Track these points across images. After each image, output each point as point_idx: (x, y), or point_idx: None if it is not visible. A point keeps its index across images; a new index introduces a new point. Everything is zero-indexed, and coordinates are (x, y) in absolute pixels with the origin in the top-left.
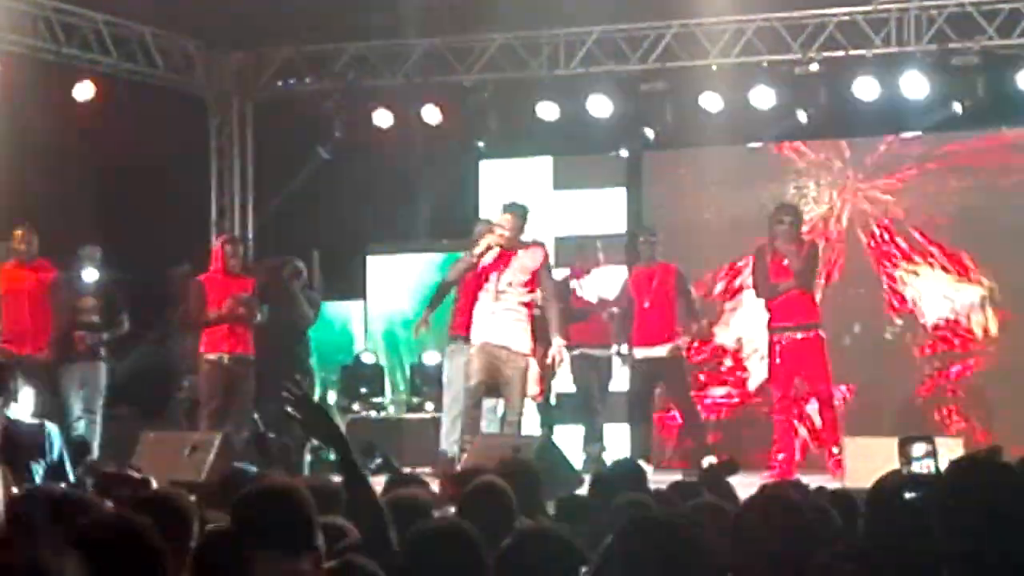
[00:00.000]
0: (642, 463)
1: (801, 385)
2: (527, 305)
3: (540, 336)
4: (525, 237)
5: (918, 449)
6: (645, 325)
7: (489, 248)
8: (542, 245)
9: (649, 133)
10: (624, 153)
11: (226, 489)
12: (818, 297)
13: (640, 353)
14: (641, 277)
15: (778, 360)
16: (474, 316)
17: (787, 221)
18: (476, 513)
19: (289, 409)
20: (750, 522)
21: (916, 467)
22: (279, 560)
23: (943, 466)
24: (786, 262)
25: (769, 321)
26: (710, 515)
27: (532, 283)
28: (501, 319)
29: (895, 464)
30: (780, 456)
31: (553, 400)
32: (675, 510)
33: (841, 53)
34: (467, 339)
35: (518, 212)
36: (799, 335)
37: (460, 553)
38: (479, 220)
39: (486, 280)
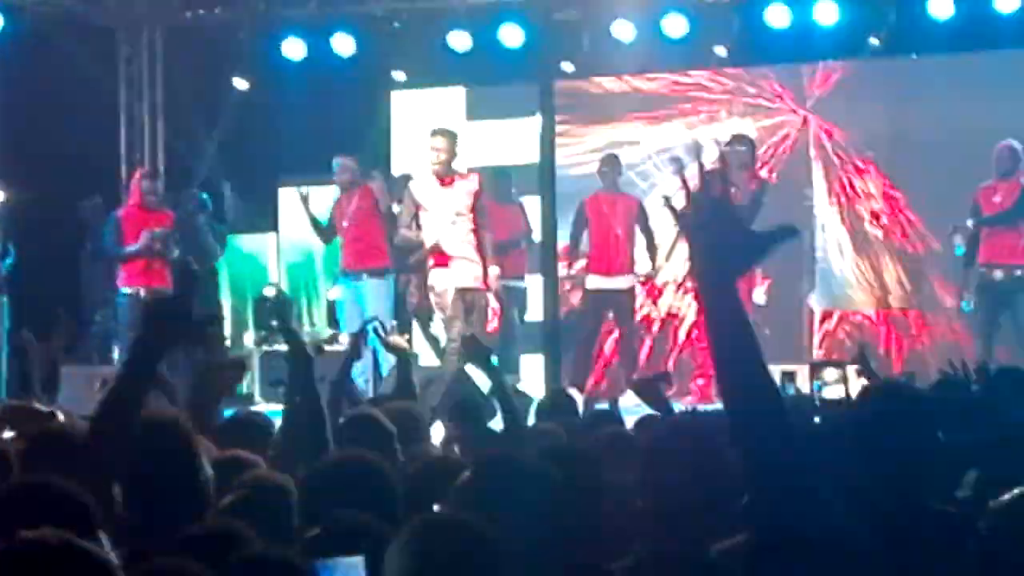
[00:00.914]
0: (574, 391)
1: None
2: (475, 232)
3: None
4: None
5: (829, 374)
6: (605, 254)
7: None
8: (476, 172)
9: (566, 67)
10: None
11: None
12: None
13: (595, 282)
14: (602, 204)
15: None
16: (431, 251)
17: (739, 149)
18: (353, 443)
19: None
20: (658, 456)
21: (827, 393)
22: None
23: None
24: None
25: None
26: (617, 446)
27: (473, 210)
28: (459, 254)
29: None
30: (700, 382)
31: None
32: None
33: None
34: (354, 274)
35: (450, 136)
36: None
37: (368, 484)
38: (347, 156)
39: (429, 213)
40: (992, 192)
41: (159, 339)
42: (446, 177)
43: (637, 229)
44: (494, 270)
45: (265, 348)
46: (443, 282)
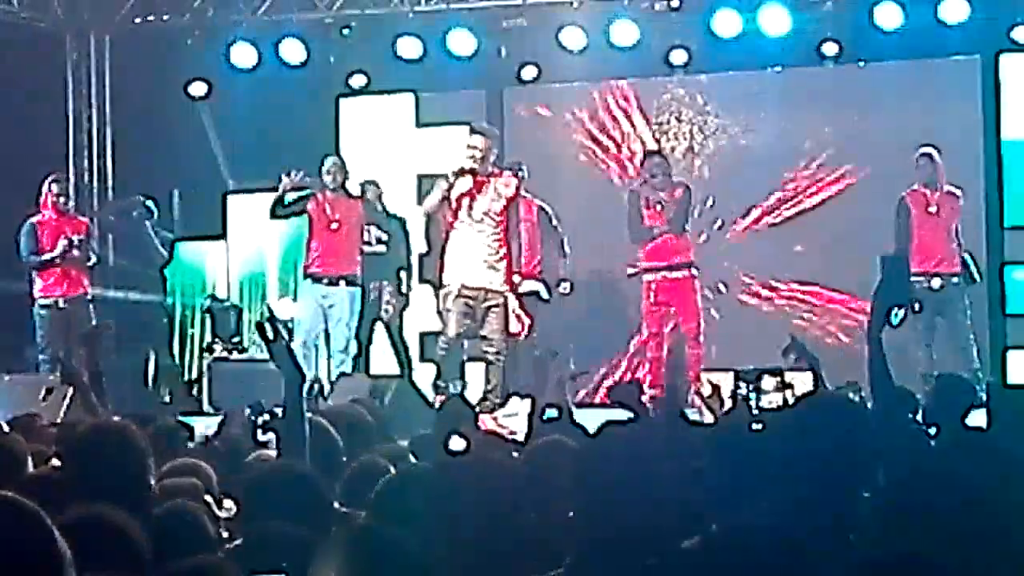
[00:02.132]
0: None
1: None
2: (503, 237)
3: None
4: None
5: (768, 383)
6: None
7: (462, 173)
8: (515, 173)
9: (526, 73)
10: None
11: None
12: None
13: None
14: None
15: (651, 299)
16: (447, 249)
17: (656, 166)
18: None
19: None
20: (592, 463)
21: (764, 401)
22: None
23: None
24: (659, 207)
25: (643, 263)
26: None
27: (505, 212)
28: (477, 254)
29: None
30: (652, 391)
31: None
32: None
33: None
34: (330, 279)
35: (488, 134)
36: (672, 275)
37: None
38: (331, 156)
39: (459, 209)
40: (924, 200)
41: None
42: (480, 177)
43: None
44: (518, 278)
45: (212, 356)
46: (450, 279)
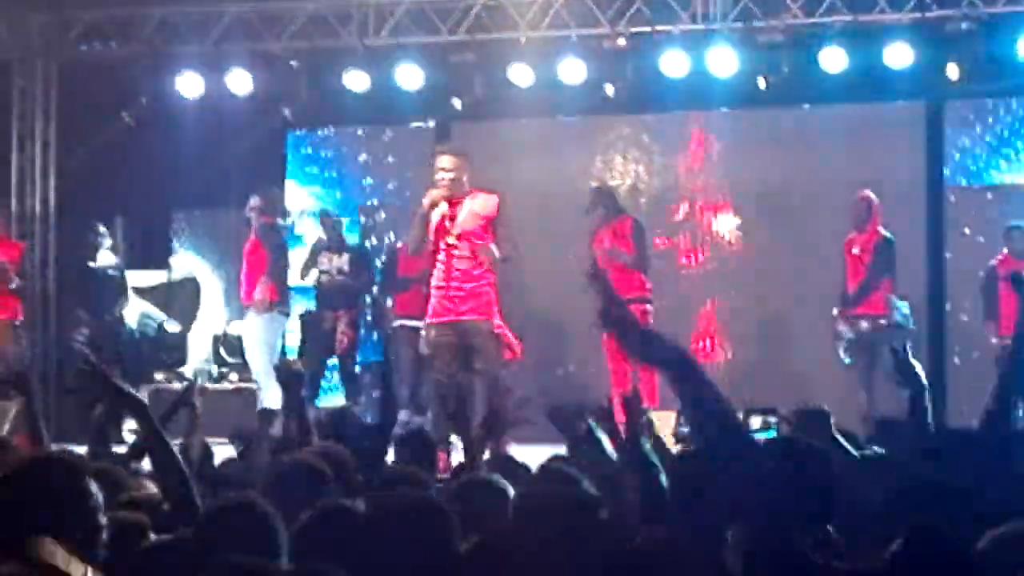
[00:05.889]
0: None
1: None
2: (485, 260)
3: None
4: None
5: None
6: None
7: (434, 203)
8: (495, 192)
9: (457, 103)
10: (431, 123)
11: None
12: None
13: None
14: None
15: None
16: (431, 285)
17: (596, 204)
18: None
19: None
20: (529, 502)
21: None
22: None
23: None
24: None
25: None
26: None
27: (486, 233)
28: (457, 283)
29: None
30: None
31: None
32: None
33: (648, 28)
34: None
35: (459, 153)
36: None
37: (254, 527)
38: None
39: (438, 238)
40: (851, 244)
41: None
42: (453, 199)
43: None
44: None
45: (153, 385)
46: (431, 319)
